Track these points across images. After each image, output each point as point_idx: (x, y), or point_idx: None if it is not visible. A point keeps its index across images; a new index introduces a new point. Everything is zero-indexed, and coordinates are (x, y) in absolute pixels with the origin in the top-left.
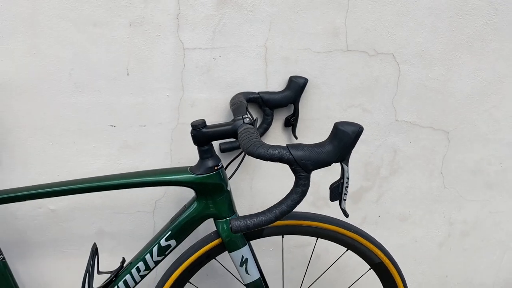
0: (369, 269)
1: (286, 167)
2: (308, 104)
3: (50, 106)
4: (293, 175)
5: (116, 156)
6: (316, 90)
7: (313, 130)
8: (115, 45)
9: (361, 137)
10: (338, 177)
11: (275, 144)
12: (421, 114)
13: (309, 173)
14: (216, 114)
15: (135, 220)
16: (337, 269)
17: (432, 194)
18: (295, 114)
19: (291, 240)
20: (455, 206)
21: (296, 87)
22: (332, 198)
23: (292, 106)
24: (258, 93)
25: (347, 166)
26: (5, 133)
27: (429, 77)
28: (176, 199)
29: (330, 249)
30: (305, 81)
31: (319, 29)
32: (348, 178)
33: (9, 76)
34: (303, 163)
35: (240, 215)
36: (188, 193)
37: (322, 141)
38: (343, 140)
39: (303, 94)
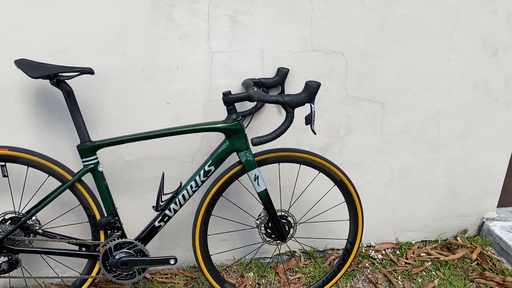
0: (334, 185)
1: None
2: (288, 86)
3: (130, 90)
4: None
5: (169, 123)
6: (294, 76)
7: None
8: (170, 51)
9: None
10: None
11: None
12: (364, 91)
13: (293, 109)
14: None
15: (180, 168)
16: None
17: (376, 147)
18: (282, 92)
19: (276, 180)
20: (393, 156)
21: (282, 74)
22: (306, 123)
23: (280, 87)
24: (259, 79)
25: (314, 105)
26: (100, 110)
27: (366, 66)
28: (207, 152)
29: (302, 181)
30: (288, 70)
31: (294, 37)
32: (314, 112)
33: (106, 72)
34: (290, 103)
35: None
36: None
37: (300, 92)
38: (311, 90)
39: (286, 79)
